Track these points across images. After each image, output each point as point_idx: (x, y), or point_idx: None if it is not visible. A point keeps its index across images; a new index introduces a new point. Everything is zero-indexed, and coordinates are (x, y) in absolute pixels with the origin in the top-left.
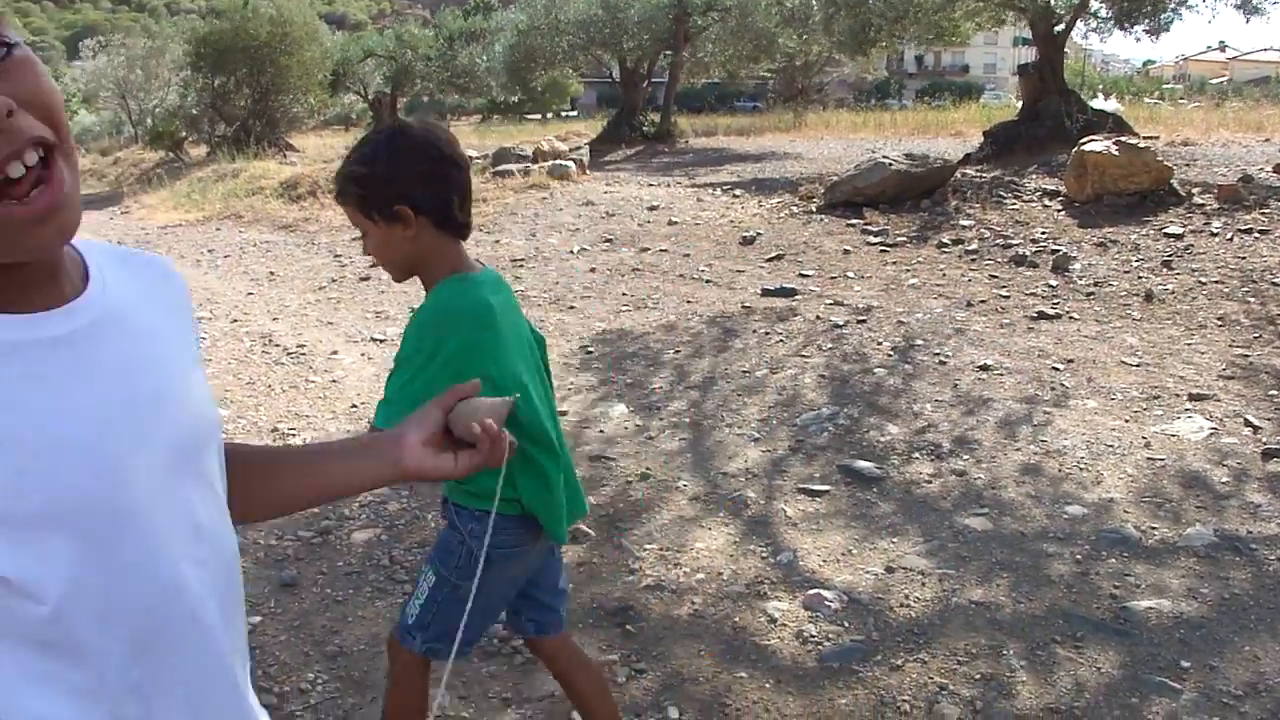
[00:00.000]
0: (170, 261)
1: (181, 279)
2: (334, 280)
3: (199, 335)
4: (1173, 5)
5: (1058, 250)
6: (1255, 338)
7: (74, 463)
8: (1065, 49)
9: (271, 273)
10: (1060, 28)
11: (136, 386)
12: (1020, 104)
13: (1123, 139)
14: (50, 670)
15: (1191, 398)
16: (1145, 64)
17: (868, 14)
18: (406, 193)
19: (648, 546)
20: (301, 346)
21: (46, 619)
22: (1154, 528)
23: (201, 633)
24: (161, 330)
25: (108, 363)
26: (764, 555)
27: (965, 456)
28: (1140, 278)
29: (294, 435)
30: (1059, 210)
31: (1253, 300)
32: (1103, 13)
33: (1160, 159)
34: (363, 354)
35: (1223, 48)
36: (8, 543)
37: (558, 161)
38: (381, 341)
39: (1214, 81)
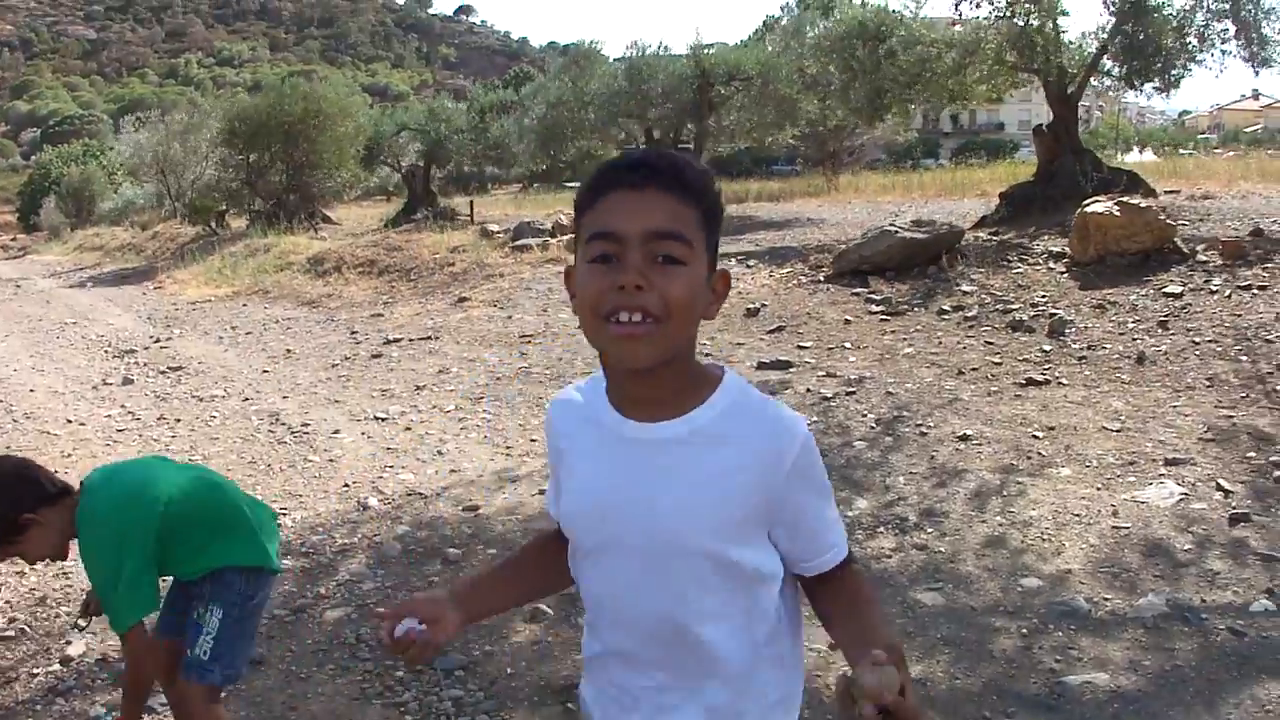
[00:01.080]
0: (789, 427)
1: (790, 443)
2: (346, 358)
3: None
4: (1181, 61)
5: (1055, 314)
6: (1242, 397)
7: (590, 525)
8: (1100, 105)
9: (289, 350)
10: (1073, 88)
11: (644, 491)
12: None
13: (1124, 199)
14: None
15: (1167, 463)
16: (1181, 115)
17: (881, 80)
18: (17, 510)
19: None
20: (306, 425)
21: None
22: (1106, 598)
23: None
24: (706, 474)
25: (642, 469)
26: None
27: (930, 530)
28: (1134, 339)
29: (285, 514)
30: (1062, 273)
31: (1244, 359)
32: (1115, 71)
33: (1164, 217)
34: (363, 433)
35: (1256, 96)
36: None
37: None
38: (384, 420)
39: (1248, 130)
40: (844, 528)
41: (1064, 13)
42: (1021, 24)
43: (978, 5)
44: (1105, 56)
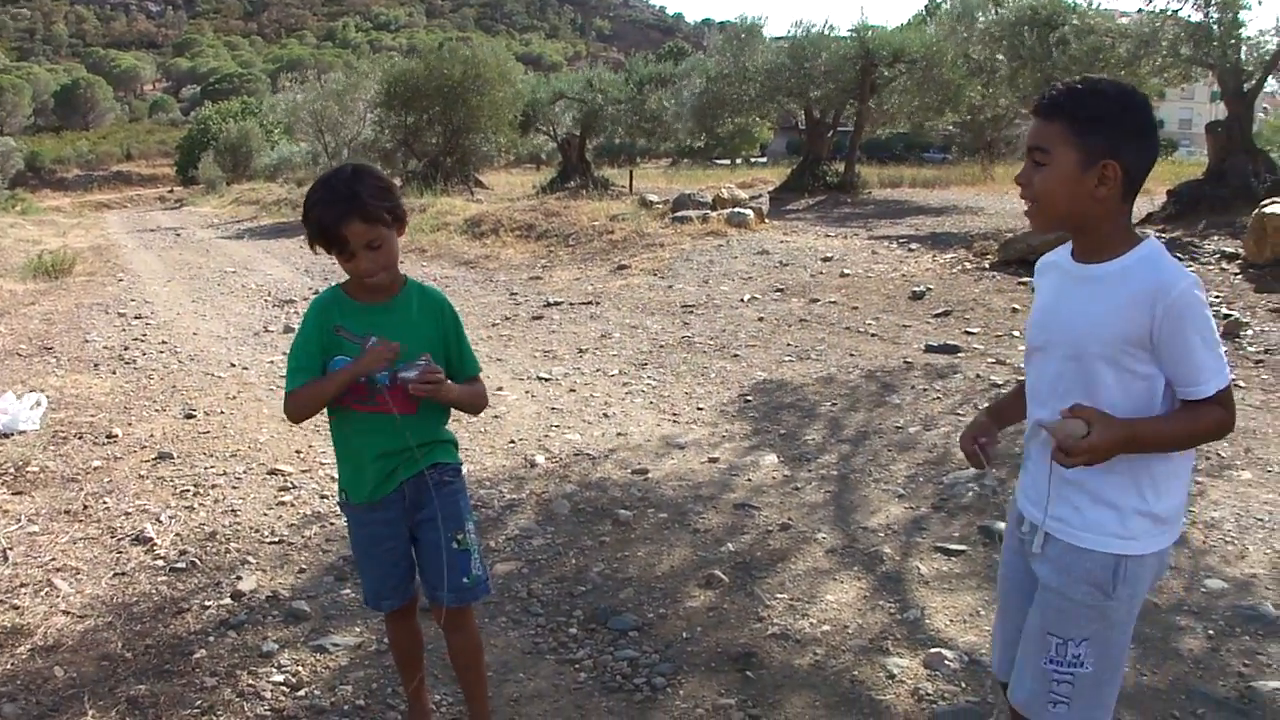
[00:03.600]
0: (1170, 280)
1: (1166, 290)
2: (507, 318)
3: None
4: None
5: (1230, 315)
6: None
7: (1036, 331)
8: (1261, 106)
9: None
10: (1250, 85)
11: (1069, 309)
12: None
13: None
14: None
15: None
16: None
17: (1051, 68)
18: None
19: (779, 595)
20: None
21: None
22: None
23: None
24: (1108, 303)
25: (1072, 295)
26: (892, 611)
27: None
28: None
29: None
30: (1235, 274)
31: None
32: None
33: None
34: (527, 392)
35: None
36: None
37: (736, 209)
38: (547, 380)
39: None
40: (1220, 370)
41: (1245, 6)
42: (1200, 17)
43: None
44: None
